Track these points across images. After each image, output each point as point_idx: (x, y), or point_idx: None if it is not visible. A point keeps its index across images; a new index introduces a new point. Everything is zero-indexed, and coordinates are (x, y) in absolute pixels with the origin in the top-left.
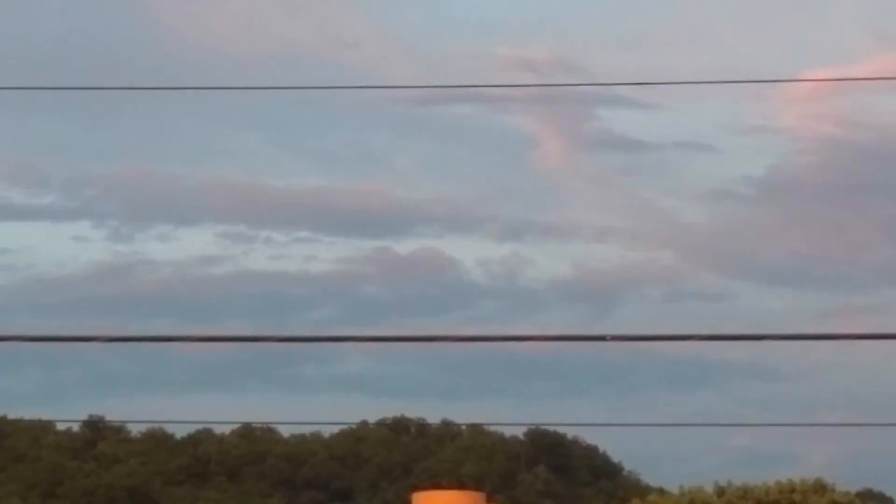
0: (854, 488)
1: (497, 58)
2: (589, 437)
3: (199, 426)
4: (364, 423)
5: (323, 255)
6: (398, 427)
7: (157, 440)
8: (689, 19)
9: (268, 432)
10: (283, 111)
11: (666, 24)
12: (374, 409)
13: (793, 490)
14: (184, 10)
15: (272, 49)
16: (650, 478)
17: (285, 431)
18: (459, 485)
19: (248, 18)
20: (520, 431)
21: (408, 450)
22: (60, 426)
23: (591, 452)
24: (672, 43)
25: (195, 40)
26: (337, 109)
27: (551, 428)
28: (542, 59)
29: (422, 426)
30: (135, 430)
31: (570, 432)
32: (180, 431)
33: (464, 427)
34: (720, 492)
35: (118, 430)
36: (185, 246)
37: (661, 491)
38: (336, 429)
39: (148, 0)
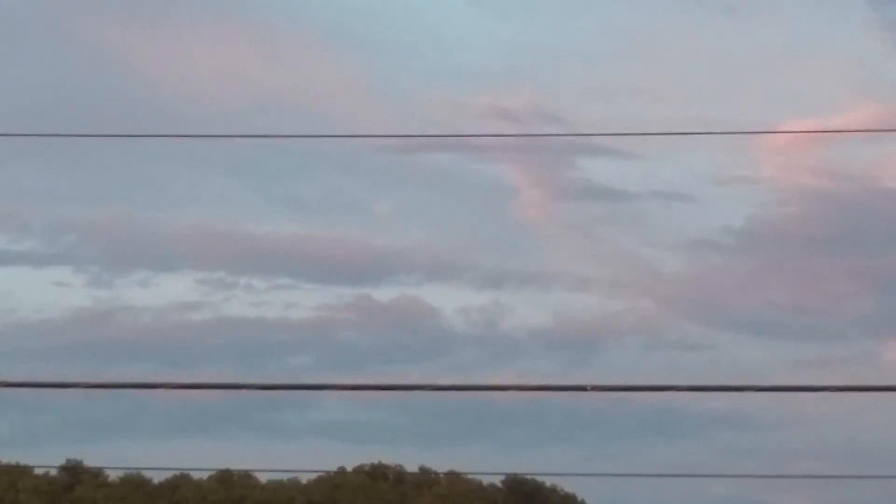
0: None
1: (475, 107)
2: (567, 485)
3: (177, 471)
4: (342, 470)
5: (303, 302)
6: (376, 474)
7: (135, 485)
8: (667, 69)
9: (245, 478)
10: (260, 159)
11: (644, 75)
12: (352, 456)
13: None
14: (162, 59)
15: (249, 97)
16: None
17: (263, 477)
18: None
19: (224, 67)
20: (497, 479)
21: (386, 497)
22: (38, 471)
23: (570, 501)
24: (651, 93)
25: (173, 88)
26: (314, 157)
27: (529, 476)
28: (521, 108)
29: (399, 473)
30: (113, 474)
31: (549, 480)
32: (158, 477)
33: (441, 474)
34: None
35: (96, 475)
36: (165, 292)
37: None
38: (314, 475)
39: (126, 48)
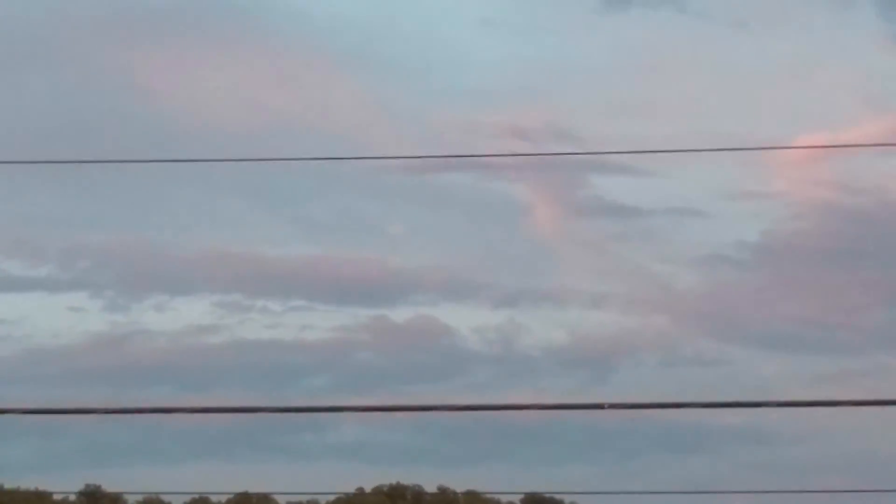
0: None
1: (488, 126)
2: (586, 503)
3: (196, 495)
4: (360, 491)
5: (318, 323)
6: (394, 494)
7: None
8: (679, 86)
9: (264, 500)
10: (273, 181)
11: (656, 91)
12: (370, 477)
13: None
14: (173, 82)
15: (261, 120)
16: None
17: (282, 500)
18: None
19: (236, 89)
20: (516, 498)
21: None
22: (57, 496)
23: None
24: (663, 109)
25: (185, 111)
26: (328, 178)
27: (548, 494)
28: (534, 127)
29: (418, 493)
30: (131, 499)
31: (567, 499)
32: (177, 501)
33: (460, 494)
34: None
35: (115, 500)
36: (181, 315)
37: None
38: (332, 496)
39: (137, 72)
